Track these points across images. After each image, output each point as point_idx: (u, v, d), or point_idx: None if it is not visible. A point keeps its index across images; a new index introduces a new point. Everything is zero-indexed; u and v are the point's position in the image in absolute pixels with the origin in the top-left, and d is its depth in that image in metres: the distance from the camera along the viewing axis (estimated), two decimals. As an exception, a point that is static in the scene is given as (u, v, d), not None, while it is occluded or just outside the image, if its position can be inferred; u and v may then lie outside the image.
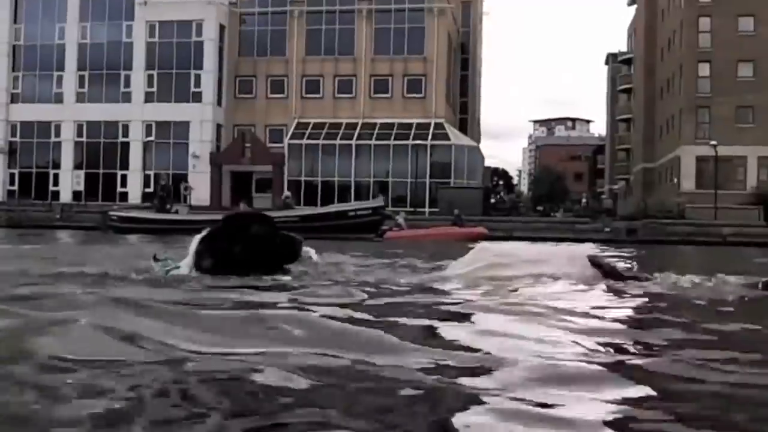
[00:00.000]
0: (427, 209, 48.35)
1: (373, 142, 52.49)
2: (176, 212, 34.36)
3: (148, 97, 53.97)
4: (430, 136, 51.99)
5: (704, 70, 54.11)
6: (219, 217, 5.84)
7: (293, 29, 55.25)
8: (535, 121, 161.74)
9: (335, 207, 36.93)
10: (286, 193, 40.53)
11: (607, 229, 40.22)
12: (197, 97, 53.65)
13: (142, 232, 23.90)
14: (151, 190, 49.42)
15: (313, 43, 55.17)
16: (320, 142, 53.06)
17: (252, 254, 4.69)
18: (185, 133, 53.38)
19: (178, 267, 4.81)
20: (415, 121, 52.72)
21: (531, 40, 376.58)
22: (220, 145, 54.45)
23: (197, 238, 4.86)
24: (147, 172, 53.12)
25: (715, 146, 47.29)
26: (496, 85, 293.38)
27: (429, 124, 52.66)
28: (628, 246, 26.20)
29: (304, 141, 53.17)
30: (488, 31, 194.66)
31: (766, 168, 53.02)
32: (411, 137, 51.51)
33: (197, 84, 53.65)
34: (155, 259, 5.19)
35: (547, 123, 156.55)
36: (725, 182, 49.82)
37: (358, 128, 53.14)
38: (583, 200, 75.23)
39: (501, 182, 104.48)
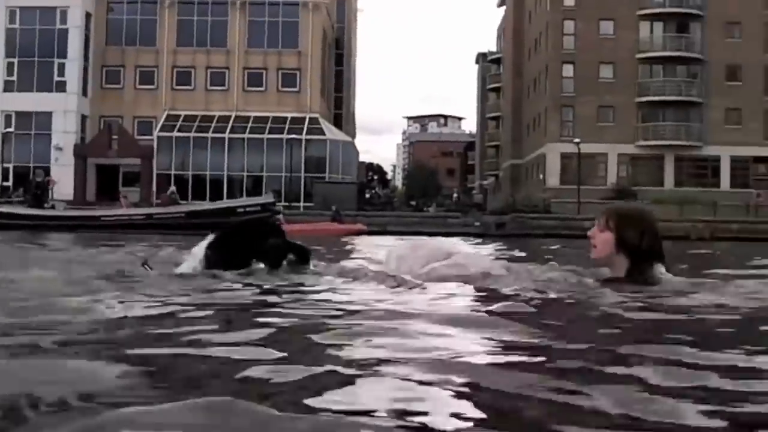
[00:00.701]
0: (302, 204, 48.26)
1: (246, 135, 51.93)
2: (52, 207, 32.86)
3: (8, 86, 51.56)
4: (304, 131, 51.88)
5: (568, 70, 56.26)
6: (96, 213, 5.42)
7: (164, 19, 53.98)
8: (409, 118, 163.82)
9: (223, 203, 36.13)
10: (172, 188, 39.25)
11: (477, 224, 41.19)
12: (61, 87, 51.61)
13: (14, 228, 22.39)
14: (9, 183, 47.27)
15: (185, 33, 54.08)
16: (191, 135, 52.06)
17: (270, 265, 4.38)
18: (47, 124, 51.25)
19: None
20: (289, 115, 52.49)
21: (405, 38, 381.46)
22: (85, 137, 52.59)
23: (204, 243, 4.44)
24: (5, 165, 50.67)
25: (578, 144, 49.24)
26: (371, 81, 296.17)
27: (304, 118, 52.55)
28: (497, 239, 26.94)
29: (175, 134, 52.05)
30: (363, 27, 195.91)
31: (625, 165, 55.67)
32: (285, 131, 51.24)
33: (61, 73, 51.62)
34: (146, 266, 4.60)
35: (421, 119, 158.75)
36: (588, 178, 51.96)
37: (231, 121, 52.46)
38: (455, 195, 76.80)
39: (376, 177, 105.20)
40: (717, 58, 54.58)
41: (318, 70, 55.19)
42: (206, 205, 35.61)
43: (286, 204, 44.49)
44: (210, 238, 4.48)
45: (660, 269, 3.77)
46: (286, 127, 51.67)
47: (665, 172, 55.45)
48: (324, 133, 52.71)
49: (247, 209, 30.62)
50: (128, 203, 34.70)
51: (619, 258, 3.71)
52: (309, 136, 51.95)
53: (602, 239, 3.76)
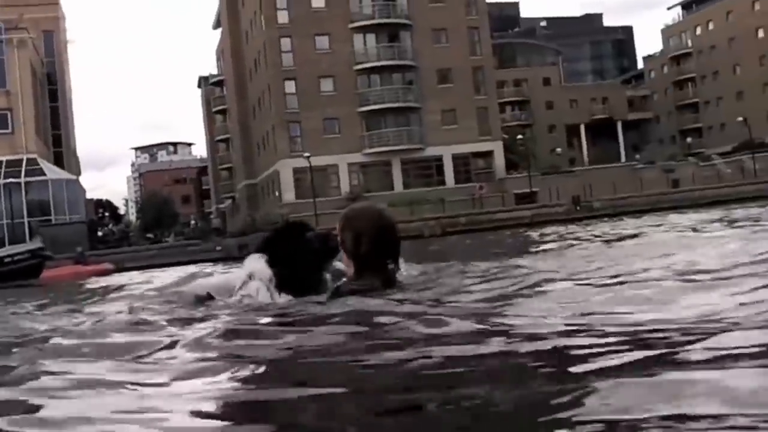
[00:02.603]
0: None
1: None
2: None
3: None
4: (23, 173, 48.36)
5: (290, 87, 57.03)
6: None
7: None
8: (137, 148, 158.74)
9: None
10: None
11: (219, 248, 40.64)
12: None
13: None
14: None
15: None
16: None
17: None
18: None
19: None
20: (3, 158, 48.70)
21: (122, 66, 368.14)
22: None
23: (257, 260, 3.50)
24: None
25: (308, 158, 50.07)
26: (91, 114, 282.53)
27: (20, 160, 48.96)
28: (241, 262, 26.49)
29: None
30: (76, 59, 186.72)
31: (356, 173, 57.40)
32: (2, 176, 47.51)
33: None
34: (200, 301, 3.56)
35: (149, 149, 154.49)
36: (322, 190, 52.98)
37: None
38: (192, 222, 75.32)
39: (107, 213, 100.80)
40: (428, 64, 57.83)
41: (31, 109, 51.68)
42: None
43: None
44: (257, 256, 3.54)
45: (401, 271, 3.44)
46: (2, 171, 47.94)
47: (393, 176, 57.79)
48: (44, 174, 49.46)
49: (15, 257, 29.68)
50: None
51: (349, 262, 3.38)
52: (28, 178, 48.52)
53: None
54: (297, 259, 3.41)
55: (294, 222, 3.84)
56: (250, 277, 3.48)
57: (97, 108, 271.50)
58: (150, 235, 69.52)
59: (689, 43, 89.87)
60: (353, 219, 3.43)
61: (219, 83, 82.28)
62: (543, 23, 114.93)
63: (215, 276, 4.03)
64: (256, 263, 3.51)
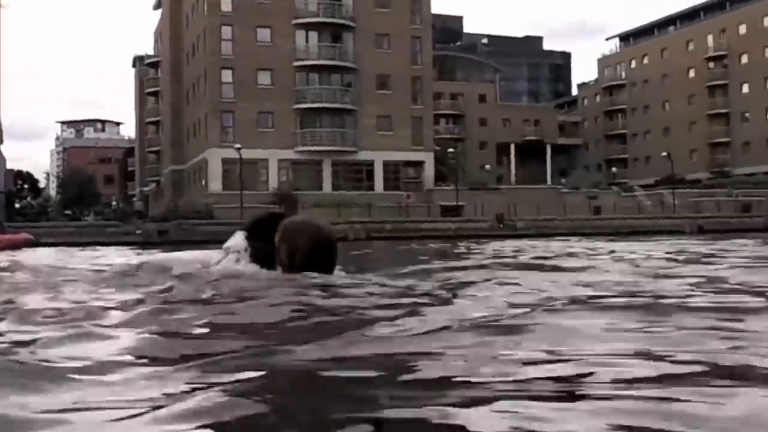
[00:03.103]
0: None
1: None
2: None
3: None
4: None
5: (227, 76, 56.41)
6: None
7: None
8: (63, 122, 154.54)
9: None
10: None
11: (139, 232, 39.99)
12: None
13: None
14: None
15: None
16: None
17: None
18: None
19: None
20: None
21: (56, 37, 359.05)
22: None
23: (240, 236, 3.69)
24: None
25: (239, 149, 49.58)
26: (19, 82, 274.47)
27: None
28: (160, 247, 26.18)
29: None
30: (7, 24, 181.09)
31: (285, 170, 57.06)
32: None
33: None
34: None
35: (76, 124, 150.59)
36: (250, 183, 52.49)
37: None
38: (114, 203, 73.83)
39: (26, 186, 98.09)
40: (368, 68, 57.92)
41: (-47, 69, 49.99)
42: None
43: None
44: (241, 232, 3.76)
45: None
46: None
47: (324, 176, 57.68)
48: (-38, 139, 47.89)
49: None
50: None
51: (284, 273, 3.41)
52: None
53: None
54: (271, 237, 3.57)
55: (281, 213, 4.10)
56: (227, 249, 3.73)
57: (25, 76, 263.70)
58: (69, 212, 67.85)
59: (623, 75, 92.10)
60: (290, 232, 3.46)
61: (154, 65, 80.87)
62: (485, 40, 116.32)
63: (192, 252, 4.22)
64: (237, 237, 3.77)
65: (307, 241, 3.42)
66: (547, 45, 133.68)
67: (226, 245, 3.80)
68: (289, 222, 3.57)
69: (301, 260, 3.37)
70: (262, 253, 3.55)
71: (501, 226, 45.84)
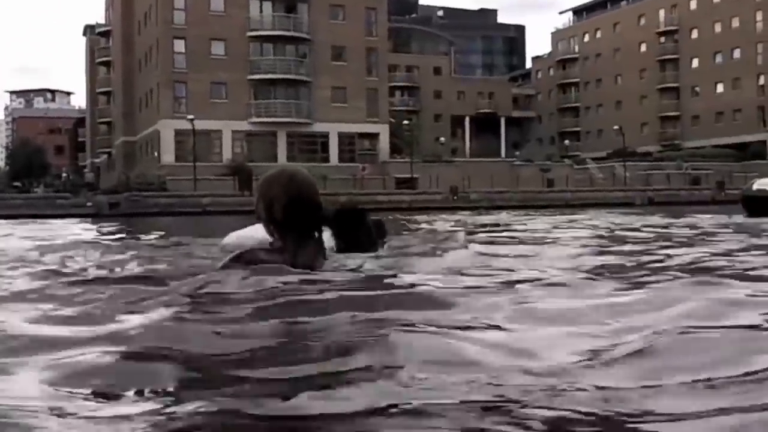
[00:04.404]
0: None
1: None
2: None
3: None
4: None
5: (180, 46, 55.62)
6: None
7: None
8: (12, 92, 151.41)
9: None
10: None
11: (90, 204, 39.51)
12: None
13: None
14: None
15: None
16: None
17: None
18: None
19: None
20: None
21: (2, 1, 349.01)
22: None
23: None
24: None
25: (192, 120, 49.08)
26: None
27: None
28: (111, 219, 25.97)
29: None
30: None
31: (239, 141, 56.64)
32: None
33: None
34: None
35: (25, 94, 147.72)
36: (203, 155, 52.03)
37: None
38: (64, 175, 72.69)
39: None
40: (323, 39, 57.57)
41: None
42: None
43: None
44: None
45: (324, 242, 3.19)
46: None
47: (278, 148, 57.35)
48: None
49: None
50: None
51: (271, 231, 3.10)
52: None
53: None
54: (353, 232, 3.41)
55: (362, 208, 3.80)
56: (224, 248, 3.56)
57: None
58: (18, 184, 66.65)
59: (576, 48, 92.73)
60: (263, 185, 3.16)
61: (105, 33, 79.38)
62: (440, 12, 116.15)
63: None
64: (235, 235, 3.65)
65: (287, 187, 3.10)
66: (502, 18, 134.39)
67: (223, 243, 3.55)
68: (265, 176, 3.25)
69: (279, 212, 3.05)
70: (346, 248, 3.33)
71: (455, 198, 46.11)
